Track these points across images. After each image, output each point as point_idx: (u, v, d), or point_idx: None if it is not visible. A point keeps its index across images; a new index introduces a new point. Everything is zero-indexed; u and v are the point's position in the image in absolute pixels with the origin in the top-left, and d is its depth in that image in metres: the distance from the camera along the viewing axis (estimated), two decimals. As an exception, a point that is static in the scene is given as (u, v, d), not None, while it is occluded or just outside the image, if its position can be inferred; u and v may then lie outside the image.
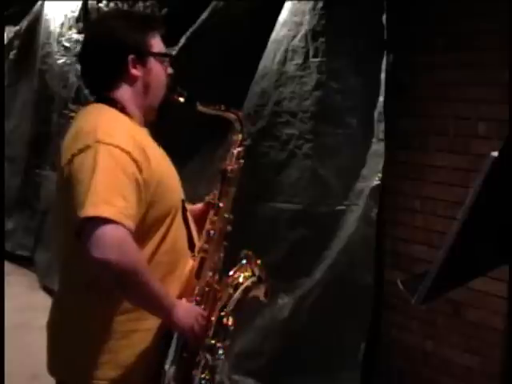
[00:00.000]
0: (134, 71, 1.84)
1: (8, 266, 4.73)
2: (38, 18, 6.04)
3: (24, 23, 6.26)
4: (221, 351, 1.85)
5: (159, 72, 1.89)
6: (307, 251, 3.42)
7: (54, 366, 1.92)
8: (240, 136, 2.04)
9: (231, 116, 2.03)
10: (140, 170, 1.71)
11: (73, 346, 1.84)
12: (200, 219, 2.01)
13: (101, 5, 5.09)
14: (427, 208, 3.19)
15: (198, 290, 1.87)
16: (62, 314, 1.90)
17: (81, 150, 1.70)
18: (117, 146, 1.69)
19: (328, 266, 3.33)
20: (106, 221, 1.62)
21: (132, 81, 1.85)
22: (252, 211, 3.57)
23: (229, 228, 1.98)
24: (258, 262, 1.96)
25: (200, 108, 1.97)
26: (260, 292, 1.97)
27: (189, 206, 2.01)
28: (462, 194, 2.80)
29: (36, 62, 5.98)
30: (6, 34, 6.34)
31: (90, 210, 1.62)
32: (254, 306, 1.99)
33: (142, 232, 1.75)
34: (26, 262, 5.81)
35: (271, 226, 3.55)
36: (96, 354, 1.80)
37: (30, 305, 4.74)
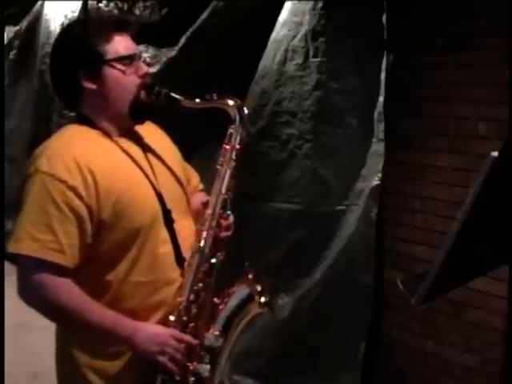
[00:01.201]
0: (88, 85, 1.76)
1: (8, 266, 4.70)
2: (38, 17, 6.04)
3: (24, 23, 6.25)
4: (206, 373, 1.73)
5: (118, 77, 1.77)
6: (307, 251, 3.42)
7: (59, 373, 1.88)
8: (238, 128, 1.84)
9: (227, 105, 1.84)
10: (80, 198, 1.65)
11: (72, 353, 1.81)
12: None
13: (101, 5, 5.09)
14: (427, 208, 3.19)
15: (184, 307, 1.76)
16: (60, 337, 1.86)
17: (25, 177, 1.71)
18: (51, 175, 1.65)
19: (328, 266, 3.33)
20: (29, 259, 1.64)
21: (90, 95, 1.77)
22: (252, 211, 3.56)
23: (224, 234, 1.85)
24: (249, 277, 1.80)
25: (185, 103, 1.82)
26: (255, 309, 1.80)
27: (200, 199, 1.93)
28: (462, 194, 2.80)
29: (36, 62, 5.98)
30: (6, 34, 6.33)
31: (13, 246, 1.66)
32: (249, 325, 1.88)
33: (109, 255, 1.70)
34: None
35: (271, 226, 3.55)
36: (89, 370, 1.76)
37: (30, 305, 4.74)
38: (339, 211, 3.33)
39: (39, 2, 6.07)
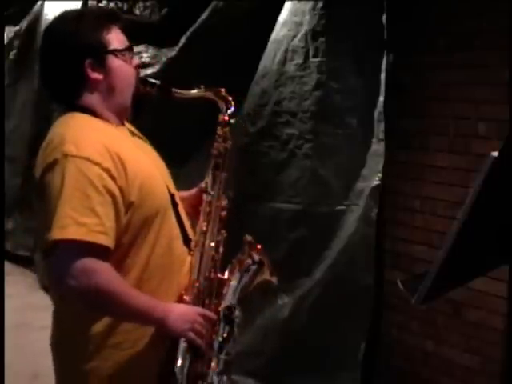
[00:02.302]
0: (94, 75, 1.77)
1: (8, 266, 4.73)
2: (38, 18, 6.04)
3: (24, 23, 6.25)
4: (230, 344, 1.83)
5: (122, 68, 1.80)
6: (307, 251, 3.42)
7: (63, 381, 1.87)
8: (225, 115, 1.92)
9: (214, 94, 1.91)
10: (114, 179, 1.66)
11: (75, 354, 1.81)
12: (195, 206, 1.96)
13: (101, 5, 5.09)
14: (427, 208, 3.20)
15: (198, 285, 1.82)
16: (62, 326, 1.85)
17: (49, 165, 1.67)
18: (84, 158, 1.64)
19: (328, 266, 3.33)
20: (75, 243, 1.61)
21: (95, 85, 1.78)
22: (252, 211, 3.57)
23: (223, 214, 1.90)
24: (259, 246, 1.91)
25: (176, 94, 1.87)
26: (266, 275, 1.93)
27: (182, 194, 1.98)
28: (462, 194, 2.81)
29: (36, 62, 5.97)
30: (6, 34, 6.33)
31: (56, 233, 1.61)
32: (253, 306, 1.95)
33: (132, 238, 1.73)
34: (25, 262, 5.81)
35: (271, 226, 3.55)
36: (99, 361, 1.77)
37: (30, 305, 4.74)
38: (339, 211, 3.34)
39: (39, 2, 6.07)
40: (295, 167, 3.49)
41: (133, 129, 1.95)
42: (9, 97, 6.09)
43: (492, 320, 2.84)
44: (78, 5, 5.43)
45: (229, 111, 1.92)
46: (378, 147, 3.21)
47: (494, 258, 1.58)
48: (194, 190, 2.01)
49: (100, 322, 1.75)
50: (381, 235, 3.28)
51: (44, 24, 5.90)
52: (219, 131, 1.92)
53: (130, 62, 1.83)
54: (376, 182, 3.19)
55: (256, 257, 1.91)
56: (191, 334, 1.74)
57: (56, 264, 1.64)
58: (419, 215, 3.25)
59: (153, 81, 1.87)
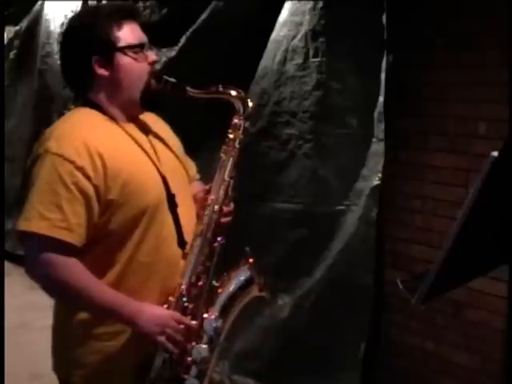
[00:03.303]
0: (100, 71, 1.80)
1: (8, 266, 4.72)
2: (38, 18, 6.04)
3: (24, 23, 6.25)
4: (204, 354, 1.78)
5: (131, 64, 1.82)
6: (307, 251, 3.42)
7: (56, 365, 1.90)
8: (241, 118, 1.90)
9: (231, 96, 1.89)
10: (88, 178, 1.69)
11: (64, 347, 1.85)
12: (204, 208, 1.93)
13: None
14: (427, 208, 3.20)
15: (185, 289, 1.80)
16: (57, 312, 1.90)
17: (34, 159, 1.74)
18: (60, 156, 1.69)
19: (328, 266, 3.33)
20: (37, 236, 1.66)
21: (102, 81, 1.81)
22: (252, 211, 3.57)
23: (224, 220, 1.89)
24: (250, 260, 1.88)
25: (191, 93, 1.87)
26: (254, 291, 1.89)
27: (197, 188, 1.98)
28: (462, 194, 2.81)
29: (36, 61, 5.98)
30: (5, 34, 6.33)
31: (22, 223, 1.69)
32: (253, 306, 1.94)
33: (114, 235, 1.74)
34: (26, 262, 5.80)
35: (271, 226, 3.55)
36: (83, 355, 1.80)
37: (30, 305, 4.74)
38: (339, 211, 3.33)
39: (39, 2, 6.07)
40: (295, 167, 3.49)
41: (150, 124, 1.93)
42: (9, 97, 6.09)
43: (492, 320, 2.84)
44: (77, 5, 5.43)
45: (245, 114, 1.90)
46: (377, 147, 3.21)
47: (494, 258, 1.58)
48: (200, 193, 2.00)
49: (79, 312, 1.78)
50: (381, 235, 3.28)
51: (44, 24, 5.91)
52: (231, 134, 1.91)
53: (142, 59, 1.84)
54: (376, 182, 3.19)
55: (247, 273, 1.87)
56: (160, 338, 1.73)
57: (24, 253, 1.72)
58: (419, 215, 3.25)
59: (167, 78, 1.87)
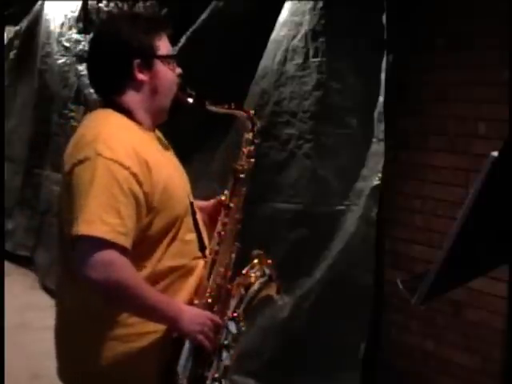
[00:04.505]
0: (140, 76, 1.83)
1: (8, 266, 4.74)
2: (38, 18, 6.04)
3: (24, 23, 6.25)
4: (232, 351, 1.88)
5: (167, 74, 1.88)
6: (307, 251, 3.42)
7: (63, 372, 1.90)
8: (251, 134, 2.03)
9: (242, 114, 2.03)
10: (140, 184, 1.72)
11: (79, 349, 1.84)
12: (212, 216, 2.03)
13: (101, 5, 5.09)
14: (427, 208, 3.20)
15: (210, 291, 1.88)
16: (67, 317, 1.89)
17: (81, 161, 1.72)
18: (116, 161, 1.70)
19: (328, 266, 3.33)
20: (98, 240, 1.67)
21: (139, 85, 1.84)
22: (252, 211, 3.56)
23: (238, 227, 1.98)
24: (269, 261, 2.00)
25: (209, 107, 1.96)
26: (272, 290, 2.01)
27: (200, 203, 2.03)
28: (462, 194, 2.81)
29: (36, 61, 5.98)
30: (6, 34, 6.33)
31: (82, 227, 1.67)
32: (258, 306, 2.01)
33: (149, 240, 1.79)
34: (25, 262, 5.81)
35: (271, 226, 3.55)
36: (102, 356, 1.79)
37: (30, 305, 4.74)
38: (339, 211, 3.33)
39: (39, 2, 6.07)
40: (295, 167, 3.49)
41: (160, 135, 1.99)
42: (9, 97, 6.09)
43: (492, 320, 2.84)
44: (78, 5, 5.43)
45: (254, 130, 2.03)
46: (377, 147, 3.21)
47: (494, 257, 1.58)
48: (211, 201, 2.07)
49: (104, 313, 1.78)
50: (381, 235, 3.28)
51: (44, 24, 5.91)
52: (244, 149, 2.02)
53: (173, 70, 1.90)
54: (376, 182, 3.19)
55: (267, 271, 1.99)
56: (201, 337, 1.80)
57: (79, 256, 1.69)
58: (419, 215, 3.25)
59: (191, 92, 1.95)
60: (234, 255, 1.95)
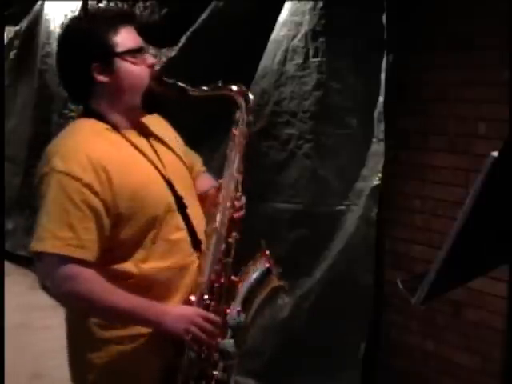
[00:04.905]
0: (100, 78, 1.79)
1: (8, 266, 4.73)
2: (38, 18, 6.04)
3: (24, 23, 6.25)
4: (231, 349, 1.81)
5: (130, 70, 1.81)
6: (307, 251, 3.42)
7: (71, 376, 1.91)
8: (242, 113, 1.89)
9: (231, 92, 1.89)
10: (96, 194, 1.70)
11: (78, 352, 1.86)
12: (215, 206, 1.94)
13: (101, 5, 5.09)
14: (427, 208, 3.20)
15: (205, 287, 1.82)
16: (68, 321, 1.90)
17: (40, 178, 1.74)
18: (67, 174, 1.69)
19: (328, 265, 3.33)
20: (53, 256, 1.68)
21: (102, 87, 1.80)
22: (252, 211, 3.55)
23: (237, 215, 1.89)
24: (267, 252, 1.90)
25: (192, 93, 1.87)
26: (273, 283, 1.90)
27: (207, 191, 1.98)
28: (462, 194, 2.81)
29: (36, 61, 5.98)
30: (6, 34, 6.33)
31: (35, 244, 1.70)
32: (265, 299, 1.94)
33: (125, 244, 1.76)
34: (25, 262, 5.81)
35: (271, 226, 3.55)
36: (97, 358, 1.80)
37: (30, 305, 4.74)
38: (339, 211, 3.33)
39: (39, 2, 6.07)
40: (295, 167, 3.49)
41: (152, 126, 1.93)
42: (9, 97, 6.09)
43: (492, 320, 2.84)
44: (77, 5, 5.43)
45: (247, 108, 1.89)
46: (377, 147, 3.21)
47: (494, 257, 1.58)
48: (211, 190, 2.01)
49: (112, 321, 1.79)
50: (381, 235, 3.28)
51: (44, 24, 5.91)
52: (235, 130, 1.90)
53: (142, 62, 1.83)
54: (376, 181, 3.19)
55: (265, 264, 1.89)
56: (187, 336, 1.75)
57: (40, 273, 1.75)
58: (419, 215, 3.25)
59: (167, 80, 1.87)
60: (232, 246, 1.86)
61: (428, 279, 1.43)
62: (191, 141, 2.16)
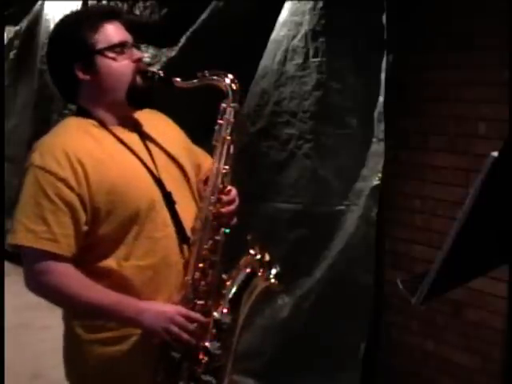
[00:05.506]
0: (82, 77, 1.80)
1: (8, 266, 4.72)
2: (38, 18, 6.03)
3: (24, 23, 6.25)
4: (216, 351, 1.76)
5: (111, 66, 1.80)
6: (307, 251, 3.42)
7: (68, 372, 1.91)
8: (231, 103, 1.84)
9: (220, 81, 1.87)
10: (71, 188, 1.70)
11: (70, 352, 1.87)
12: None
13: (100, 3, 5.08)
14: (427, 208, 3.20)
15: (189, 286, 1.78)
16: (65, 321, 1.90)
17: (23, 173, 1.77)
18: (42, 168, 1.70)
19: (328, 265, 3.33)
20: (26, 249, 1.70)
21: (87, 86, 1.81)
22: (252, 211, 3.56)
23: (226, 209, 1.83)
24: (251, 252, 1.84)
25: (179, 84, 1.85)
26: (261, 283, 1.84)
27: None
28: (462, 194, 2.81)
29: (36, 61, 5.98)
30: (6, 34, 6.33)
31: (9, 237, 1.73)
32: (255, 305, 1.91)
33: (106, 240, 1.74)
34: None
35: (271, 226, 3.55)
36: (86, 359, 1.80)
37: (30, 305, 4.73)
38: (339, 211, 3.33)
39: (39, 2, 6.07)
40: (295, 167, 3.49)
41: (144, 122, 1.91)
42: (9, 97, 6.09)
43: (492, 320, 2.84)
44: (77, 5, 5.43)
45: (234, 97, 1.85)
46: (377, 147, 3.21)
47: (494, 257, 1.58)
48: (199, 184, 1.97)
49: (86, 317, 1.79)
50: (381, 235, 3.27)
51: (44, 24, 5.91)
52: (221, 120, 1.87)
53: (123, 58, 1.81)
54: (376, 181, 3.19)
55: (246, 269, 1.83)
56: (164, 335, 1.72)
57: (23, 267, 1.75)
58: (419, 215, 3.25)
59: (153, 72, 1.84)
60: (220, 244, 1.81)
61: (428, 279, 1.43)
62: (197, 133, 2.15)
